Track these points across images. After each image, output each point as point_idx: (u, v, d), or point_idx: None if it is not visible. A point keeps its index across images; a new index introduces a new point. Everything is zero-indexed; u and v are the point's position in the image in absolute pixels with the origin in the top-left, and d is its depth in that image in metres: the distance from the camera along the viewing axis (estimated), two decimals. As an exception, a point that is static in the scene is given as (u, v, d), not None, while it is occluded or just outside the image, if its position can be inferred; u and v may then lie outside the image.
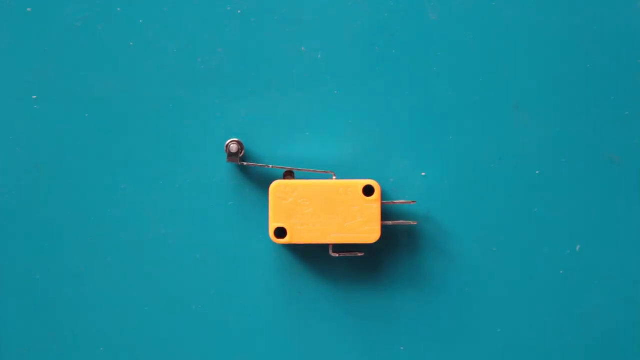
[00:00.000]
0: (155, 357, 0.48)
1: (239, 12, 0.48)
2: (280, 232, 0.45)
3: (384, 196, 0.47)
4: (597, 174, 0.48)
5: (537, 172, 0.48)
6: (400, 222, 0.47)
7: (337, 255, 0.47)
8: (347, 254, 0.47)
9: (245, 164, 0.47)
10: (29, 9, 0.48)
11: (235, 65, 0.48)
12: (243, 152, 0.47)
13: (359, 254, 0.47)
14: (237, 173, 0.48)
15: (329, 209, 0.45)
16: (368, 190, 0.45)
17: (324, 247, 0.47)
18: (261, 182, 0.48)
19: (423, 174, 0.48)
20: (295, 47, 0.48)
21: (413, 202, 0.47)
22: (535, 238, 0.48)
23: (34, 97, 0.48)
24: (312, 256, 0.48)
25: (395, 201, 0.47)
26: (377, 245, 0.48)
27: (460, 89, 0.47)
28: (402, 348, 0.48)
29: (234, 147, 0.46)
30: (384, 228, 0.47)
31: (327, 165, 0.47)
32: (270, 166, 0.47)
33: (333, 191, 0.45)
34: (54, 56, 0.48)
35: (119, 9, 0.48)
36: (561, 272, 0.48)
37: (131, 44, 0.48)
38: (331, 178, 0.47)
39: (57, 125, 0.48)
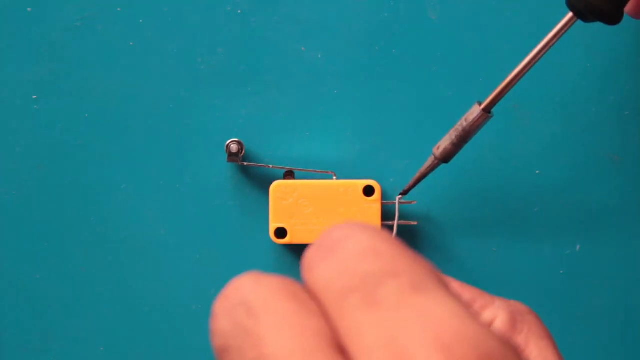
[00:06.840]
0: (155, 357, 0.48)
1: (239, 12, 0.48)
2: (281, 233, 0.45)
3: (384, 196, 0.47)
4: (597, 174, 0.48)
5: (537, 172, 0.48)
6: (401, 222, 0.47)
7: (337, 255, 0.47)
8: (347, 254, 0.47)
9: (245, 164, 0.47)
10: (29, 9, 0.48)
11: (235, 65, 0.48)
12: (243, 152, 0.47)
13: (359, 254, 0.47)
14: (238, 173, 0.48)
15: (329, 209, 0.45)
16: (368, 191, 0.45)
17: (324, 247, 0.47)
18: (261, 182, 0.48)
19: (423, 174, 0.48)
20: (295, 47, 0.48)
21: (413, 202, 0.47)
22: (535, 238, 0.48)
23: (34, 97, 0.48)
24: (312, 256, 0.48)
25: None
26: (377, 245, 0.48)
27: (460, 89, 0.47)
28: (402, 348, 0.48)
29: (234, 147, 0.46)
30: (384, 228, 0.47)
31: (327, 165, 0.47)
32: (271, 166, 0.47)
33: (333, 191, 0.45)
34: (54, 56, 0.48)
35: (119, 9, 0.48)
36: (561, 272, 0.48)
37: (131, 44, 0.48)
38: (331, 178, 0.47)
39: (57, 125, 0.48)
